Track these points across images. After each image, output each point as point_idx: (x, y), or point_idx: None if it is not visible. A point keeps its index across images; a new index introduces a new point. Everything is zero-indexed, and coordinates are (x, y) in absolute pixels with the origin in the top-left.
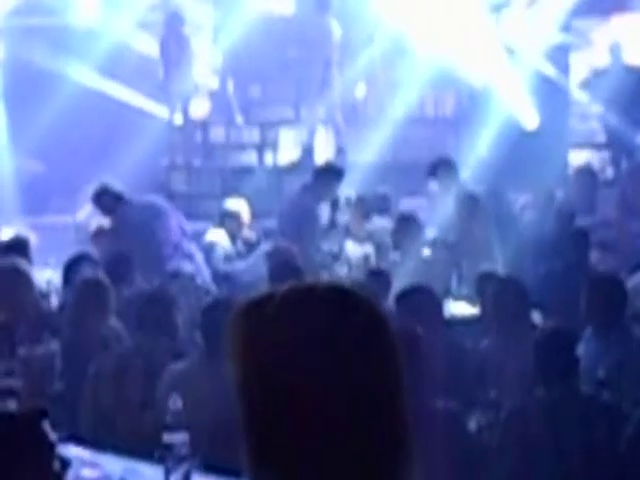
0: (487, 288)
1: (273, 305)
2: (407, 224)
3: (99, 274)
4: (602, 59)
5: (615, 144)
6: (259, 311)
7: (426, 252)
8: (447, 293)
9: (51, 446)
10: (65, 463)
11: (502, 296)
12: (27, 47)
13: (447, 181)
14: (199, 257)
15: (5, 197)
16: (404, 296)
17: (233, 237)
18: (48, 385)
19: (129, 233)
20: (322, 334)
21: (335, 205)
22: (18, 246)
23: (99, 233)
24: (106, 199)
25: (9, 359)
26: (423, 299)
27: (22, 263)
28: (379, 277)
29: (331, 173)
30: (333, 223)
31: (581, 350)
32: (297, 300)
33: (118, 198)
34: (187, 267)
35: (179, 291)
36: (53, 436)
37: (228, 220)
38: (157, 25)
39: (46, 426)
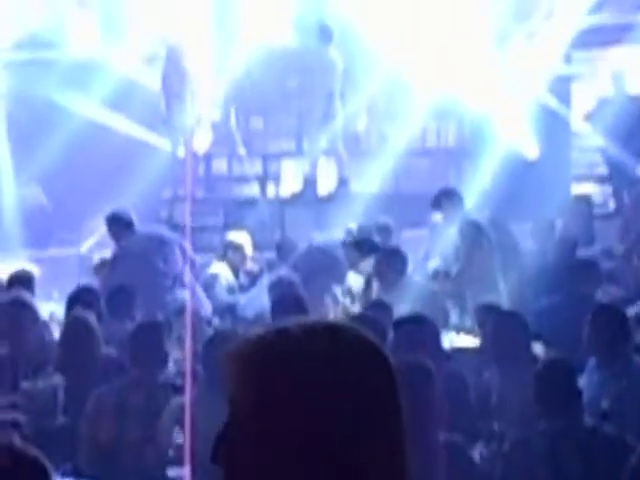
0: (487, 320)
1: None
2: (392, 258)
3: (84, 313)
4: (604, 90)
5: (616, 176)
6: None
7: (429, 284)
8: (449, 325)
9: None
10: None
11: (502, 329)
12: (31, 80)
13: (451, 212)
14: (198, 289)
15: (8, 230)
16: (400, 325)
17: (236, 269)
18: (51, 419)
19: (128, 263)
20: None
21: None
22: (23, 280)
23: (103, 266)
24: (115, 226)
25: (12, 392)
26: (420, 328)
27: (27, 296)
28: (381, 308)
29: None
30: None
31: (585, 381)
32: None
33: (127, 226)
34: (185, 298)
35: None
36: None
37: (231, 252)
38: (161, 59)
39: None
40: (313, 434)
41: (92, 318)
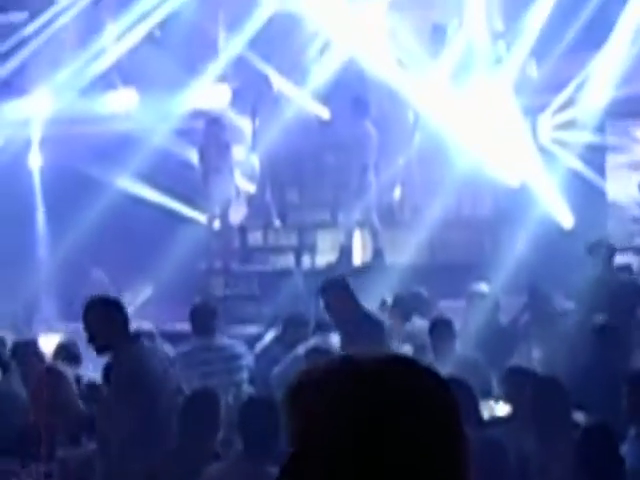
0: (521, 384)
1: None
2: (441, 328)
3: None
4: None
5: None
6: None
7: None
8: (488, 393)
9: None
10: None
11: (541, 396)
12: (67, 154)
13: None
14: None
15: (46, 303)
16: None
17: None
18: None
19: None
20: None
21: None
22: (66, 351)
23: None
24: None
25: (48, 461)
26: (457, 394)
27: (64, 366)
28: None
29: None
30: None
31: (627, 450)
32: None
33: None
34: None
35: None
36: None
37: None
38: (195, 131)
39: None
40: (387, 467)
41: None
